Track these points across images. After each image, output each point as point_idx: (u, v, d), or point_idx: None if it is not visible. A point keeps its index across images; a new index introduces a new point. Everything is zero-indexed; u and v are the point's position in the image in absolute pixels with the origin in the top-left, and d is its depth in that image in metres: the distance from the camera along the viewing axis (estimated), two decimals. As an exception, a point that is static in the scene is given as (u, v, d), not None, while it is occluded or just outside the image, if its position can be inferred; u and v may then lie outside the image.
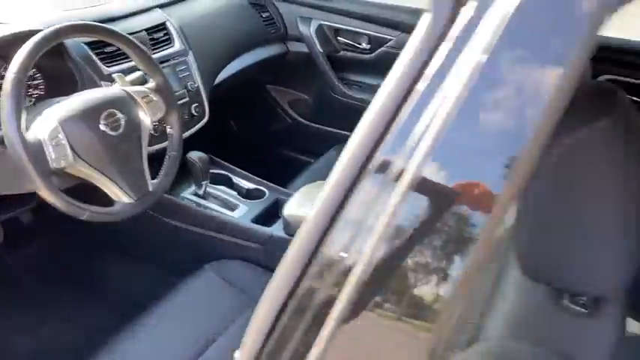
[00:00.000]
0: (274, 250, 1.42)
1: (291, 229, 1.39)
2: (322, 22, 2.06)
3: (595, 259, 0.68)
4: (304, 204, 1.40)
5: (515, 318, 0.78)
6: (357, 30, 2.04)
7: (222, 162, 1.70)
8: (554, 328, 0.75)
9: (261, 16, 2.00)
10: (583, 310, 0.74)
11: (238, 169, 1.68)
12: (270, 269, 1.51)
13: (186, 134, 1.50)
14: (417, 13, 2.03)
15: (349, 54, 2.08)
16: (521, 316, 0.78)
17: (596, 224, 0.67)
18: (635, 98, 1.69)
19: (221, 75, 1.75)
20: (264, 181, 1.64)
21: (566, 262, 0.70)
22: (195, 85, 1.56)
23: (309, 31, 2.06)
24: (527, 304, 0.80)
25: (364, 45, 2.05)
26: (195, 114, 1.55)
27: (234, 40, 1.83)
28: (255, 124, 2.30)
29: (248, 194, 1.60)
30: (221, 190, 1.58)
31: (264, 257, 1.43)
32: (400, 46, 1.98)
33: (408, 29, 1.98)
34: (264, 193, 1.59)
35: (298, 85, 2.21)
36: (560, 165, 0.68)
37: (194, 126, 1.55)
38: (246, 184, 1.62)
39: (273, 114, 2.27)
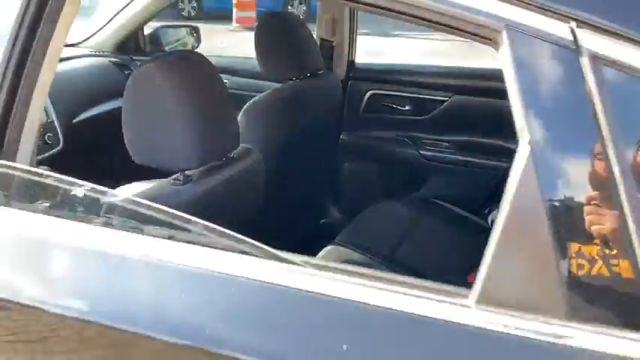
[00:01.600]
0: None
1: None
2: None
3: (174, 143, 1.11)
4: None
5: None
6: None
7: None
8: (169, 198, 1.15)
9: (124, 73, 2.52)
10: (179, 182, 1.15)
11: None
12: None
13: (39, 157, 1.94)
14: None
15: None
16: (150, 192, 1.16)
17: (170, 118, 1.11)
18: (391, 105, 2.21)
19: (81, 117, 2.22)
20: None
21: (156, 147, 1.13)
22: (49, 120, 2.02)
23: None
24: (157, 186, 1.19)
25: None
26: (49, 142, 2.00)
27: (91, 92, 2.34)
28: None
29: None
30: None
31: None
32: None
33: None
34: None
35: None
36: (138, 87, 1.14)
37: (48, 151, 2.00)
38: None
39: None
